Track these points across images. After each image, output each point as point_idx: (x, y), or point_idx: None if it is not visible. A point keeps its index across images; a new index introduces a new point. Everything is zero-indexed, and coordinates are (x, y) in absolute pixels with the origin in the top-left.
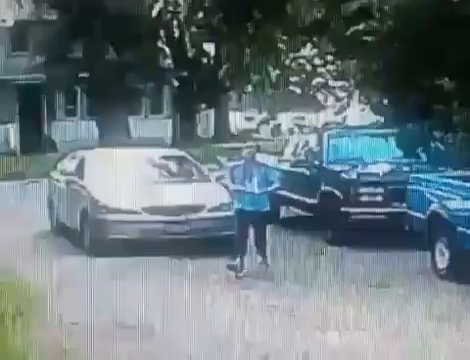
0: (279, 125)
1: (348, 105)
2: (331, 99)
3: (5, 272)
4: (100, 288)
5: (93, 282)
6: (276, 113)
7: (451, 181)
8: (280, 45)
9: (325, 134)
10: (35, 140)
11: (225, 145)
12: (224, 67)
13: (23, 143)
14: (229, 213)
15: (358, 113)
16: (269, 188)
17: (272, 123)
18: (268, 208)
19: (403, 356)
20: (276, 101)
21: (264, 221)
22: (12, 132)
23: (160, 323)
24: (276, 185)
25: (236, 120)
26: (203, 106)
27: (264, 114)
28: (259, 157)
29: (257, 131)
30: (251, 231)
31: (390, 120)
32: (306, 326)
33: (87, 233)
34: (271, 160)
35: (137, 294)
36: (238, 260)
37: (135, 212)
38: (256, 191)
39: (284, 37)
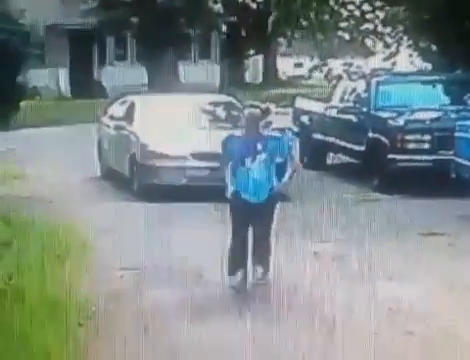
0: (331, 70)
1: (397, 51)
2: (380, 45)
3: (56, 216)
4: (149, 233)
5: (142, 227)
6: (326, 59)
7: None
8: None
9: (373, 80)
10: (85, 85)
11: (273, 91)
12: (273, 13)
13: (73, 88)
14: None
15: (407, 60)
16: (283, 179)
17: (325, 69)
18: (274, 197)
19: (451, 306)
20: (325, 47)
21: (268, 217)
22: (62, 76)
23: (206, 268)
24: (290, 171)
25: (285, 66)
26: (252, 52)
27: (315, 60)
28: (304, 103)
29: (309, 77)
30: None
31: (438, 67)
32: (351, 274)
33: (136, 178)
34: (319, 106)
35: (184, 239)
36: (239, 275)
37: (183, 158)
38: (258, 175)
39: None
